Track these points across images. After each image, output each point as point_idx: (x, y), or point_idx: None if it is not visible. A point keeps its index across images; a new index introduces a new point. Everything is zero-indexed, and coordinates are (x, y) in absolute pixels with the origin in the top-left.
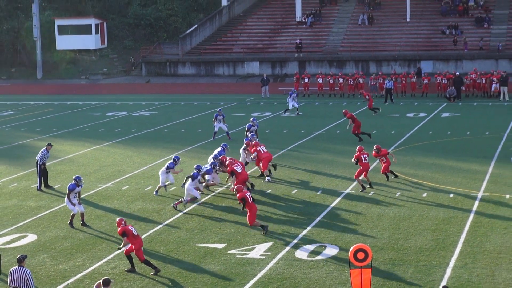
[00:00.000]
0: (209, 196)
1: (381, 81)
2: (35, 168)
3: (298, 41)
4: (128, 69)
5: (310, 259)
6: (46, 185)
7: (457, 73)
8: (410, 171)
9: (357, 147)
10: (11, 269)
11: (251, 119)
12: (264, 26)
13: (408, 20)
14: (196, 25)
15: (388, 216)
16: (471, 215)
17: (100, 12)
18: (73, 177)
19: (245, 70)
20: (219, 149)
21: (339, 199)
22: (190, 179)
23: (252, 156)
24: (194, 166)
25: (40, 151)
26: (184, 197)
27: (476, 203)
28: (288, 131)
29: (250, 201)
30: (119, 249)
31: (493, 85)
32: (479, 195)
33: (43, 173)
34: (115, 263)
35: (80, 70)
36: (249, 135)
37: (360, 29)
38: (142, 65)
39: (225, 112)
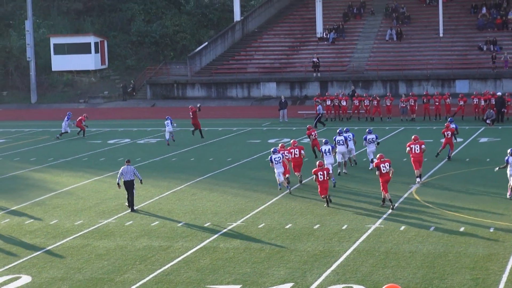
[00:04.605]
0: (220, 232)
1: (412, 103)
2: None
3: (315, 59)
4: (129, 94)
5: None
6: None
7: (498, 93)
8: (446, 203)
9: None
10: None
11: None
12: (282, 43)
13: (441, 35)
14: (206, 43)
15: (421, 253)
16: None
17: (100, 29)
18: None
19: (261, 92)
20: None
21: (366, 234)
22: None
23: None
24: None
25: (127, 171)
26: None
27: None
28: (309, 159)
29: None
30: None
31: None
32: None
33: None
34: None
35: (78, 93)
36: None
37: (387, 46)
38: (146, 87)
39: (239, 138)
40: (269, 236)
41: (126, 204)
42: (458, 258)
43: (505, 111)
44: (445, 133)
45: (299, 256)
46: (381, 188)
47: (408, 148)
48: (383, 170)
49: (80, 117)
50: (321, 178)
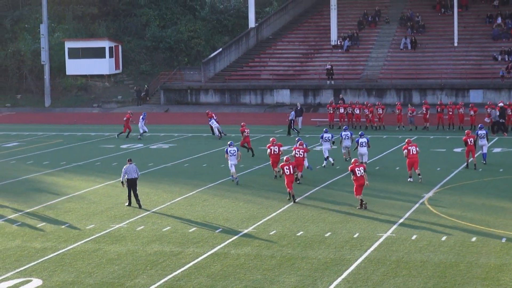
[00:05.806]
0: (232, 238)
1: (425, 111)
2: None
3: (328, 66)
4: (142, 99)
5: None
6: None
7: (500, 104)
8: (458, 213)
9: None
10: None
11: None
12: (296, 50)
13: (455, 44)
14: (221, 49)
15: (432, 262)
16: None
17: (114, 34)
18: None
19: (274, 99)
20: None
21: (378, 243)
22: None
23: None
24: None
25: (130, 169)
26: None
27: None
28: (322, 167)
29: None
30: None
31: None
32: None
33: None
34: None
35: (92, 98)
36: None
37: (402, 54)
38: (160, 92)
39: (251, 144)
40: (280, 243)
41: (126, 204)
42: (469, 268)
43: (502, 121)
44: (468, 140)
45: (310, 264)
46: (355, 192)
47: (405, 151)
48: (358, 173)
49: (127, 115)
50: (287, 172)
